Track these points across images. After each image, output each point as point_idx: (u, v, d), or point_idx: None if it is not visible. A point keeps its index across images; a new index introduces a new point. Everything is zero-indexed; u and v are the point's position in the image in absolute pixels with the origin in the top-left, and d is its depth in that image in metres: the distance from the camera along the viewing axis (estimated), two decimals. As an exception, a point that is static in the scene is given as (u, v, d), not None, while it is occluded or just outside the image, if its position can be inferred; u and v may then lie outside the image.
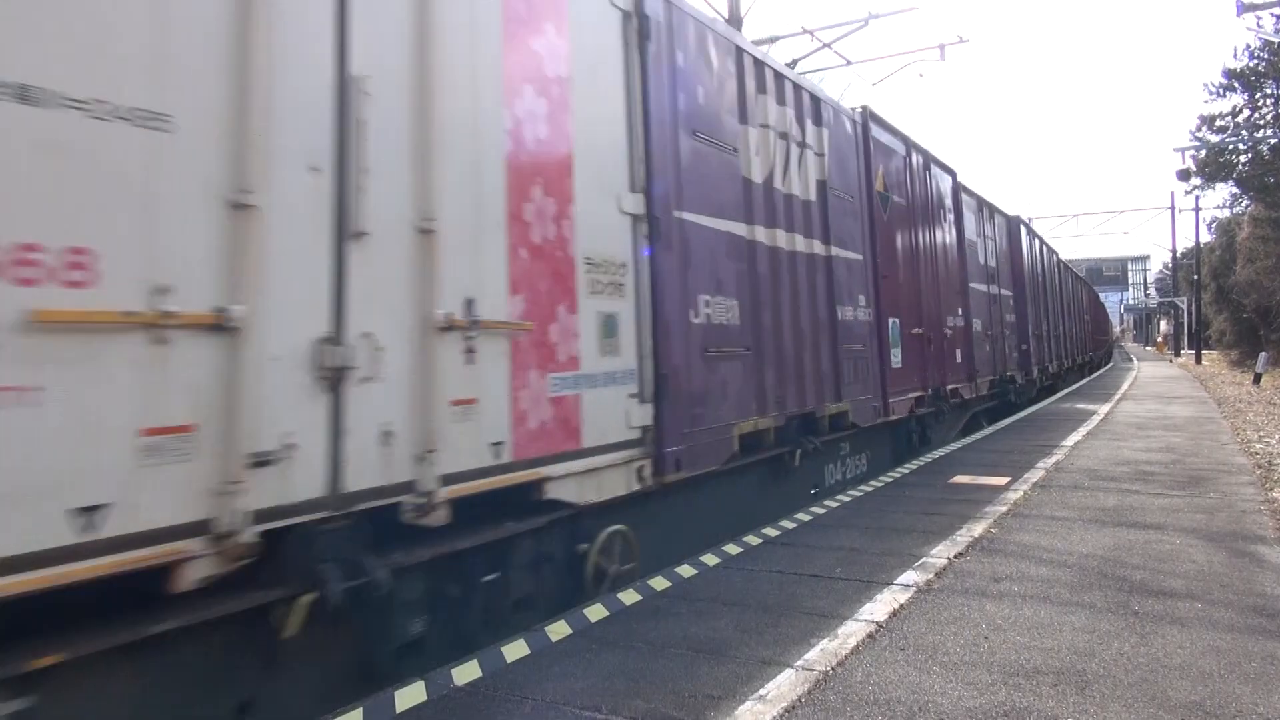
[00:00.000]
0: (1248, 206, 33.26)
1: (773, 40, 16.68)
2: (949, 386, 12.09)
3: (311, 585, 3.46)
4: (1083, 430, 12.83)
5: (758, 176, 7.21)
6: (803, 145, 8.13)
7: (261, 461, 3.29)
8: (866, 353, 9.23)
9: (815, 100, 8.52)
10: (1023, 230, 19.05)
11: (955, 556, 5.55)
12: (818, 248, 8.26)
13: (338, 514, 3.61)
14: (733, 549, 5.87)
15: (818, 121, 8.50)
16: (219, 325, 3.17)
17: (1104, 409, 16.54)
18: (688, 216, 6.12)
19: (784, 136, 7.78)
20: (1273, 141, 27.36)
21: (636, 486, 5.56)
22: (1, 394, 2.61)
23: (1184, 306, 55.57)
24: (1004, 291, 16.78)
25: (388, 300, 3.87)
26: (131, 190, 2.96)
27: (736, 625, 4.36)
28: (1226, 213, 38.79)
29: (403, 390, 3.91)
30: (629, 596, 4.84)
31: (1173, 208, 50.82)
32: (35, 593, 2.66)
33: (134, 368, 2.94)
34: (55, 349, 2.74)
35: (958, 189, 13.59)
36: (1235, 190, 31.98)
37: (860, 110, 9.91)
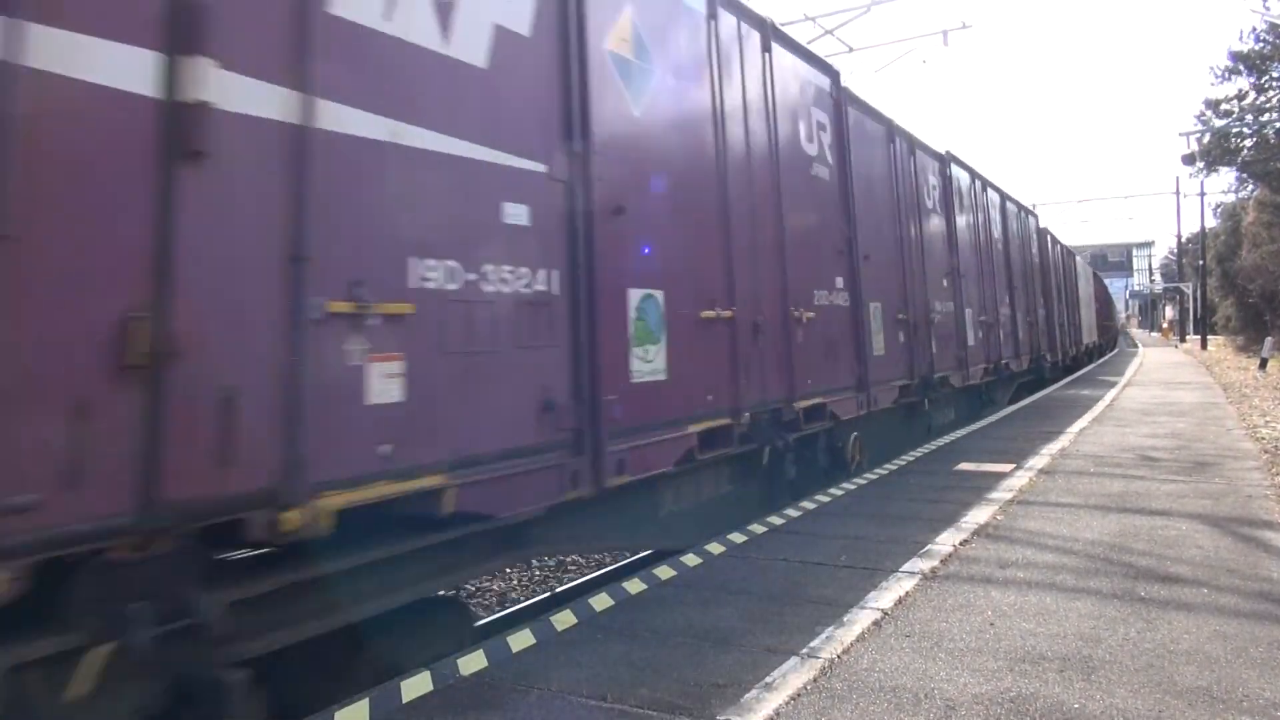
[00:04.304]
0: (1253, 191, 33.09)
1: (774, 27, 16.56)
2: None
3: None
4: (1088, 416, 12.81)
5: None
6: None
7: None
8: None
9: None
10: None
11: (961, 544, 5.55)
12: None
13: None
14: (738, 537, 5.88)
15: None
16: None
17: (1109, 395, 16.50)
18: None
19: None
20: (1278, 125, 27.20)
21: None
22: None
23: (1189, 292, 55.41)
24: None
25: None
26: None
27: (742, 614, 4.36)
28: (1232, 197, 38.60)
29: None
30: (634, 586, 4.84)
31: (1178, 193, 50.58)
32: None
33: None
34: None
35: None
36: (1240, 175, 31.81)
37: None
